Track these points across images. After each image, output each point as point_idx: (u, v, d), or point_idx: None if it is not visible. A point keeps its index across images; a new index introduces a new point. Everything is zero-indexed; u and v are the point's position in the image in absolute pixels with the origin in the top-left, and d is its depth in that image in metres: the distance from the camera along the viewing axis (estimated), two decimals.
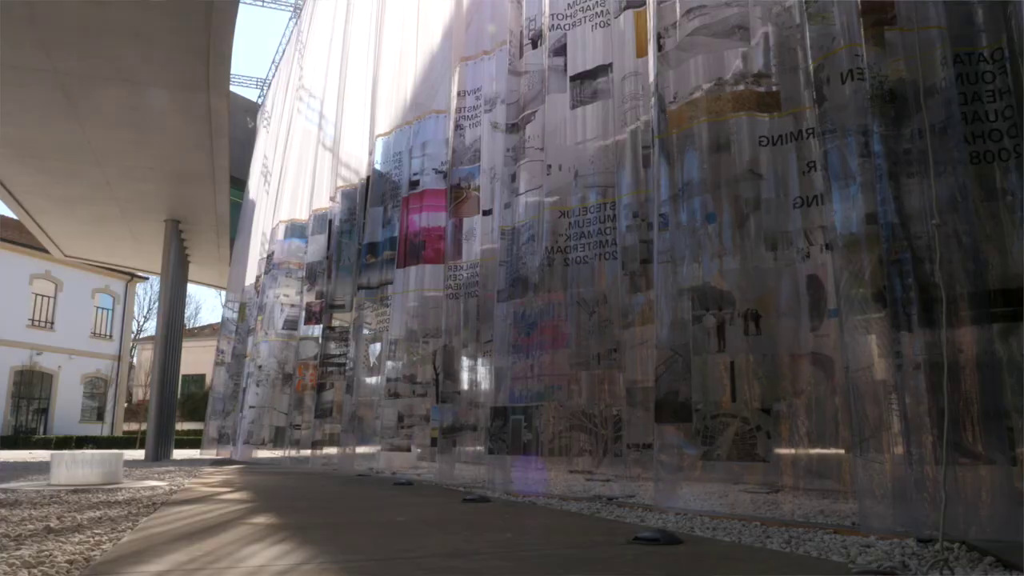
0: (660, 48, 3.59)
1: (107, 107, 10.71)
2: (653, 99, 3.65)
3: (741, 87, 3.05)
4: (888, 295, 2.08)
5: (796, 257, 2.71)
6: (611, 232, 4.56)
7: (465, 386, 6.16)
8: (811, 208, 2.67)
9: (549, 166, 4.88)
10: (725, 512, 3.04)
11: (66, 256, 19.85)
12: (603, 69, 4.73)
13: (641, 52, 4.47)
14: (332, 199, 10.62)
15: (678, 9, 3.48)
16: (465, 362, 6.22)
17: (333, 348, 9.66)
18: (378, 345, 8.28)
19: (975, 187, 2.16)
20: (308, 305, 11.16)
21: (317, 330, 10.60)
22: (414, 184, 7.72)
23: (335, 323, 9.77)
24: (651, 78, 3.82)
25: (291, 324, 11.87)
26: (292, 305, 12.01)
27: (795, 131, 2.80)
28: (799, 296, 2.73)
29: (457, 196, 6.56)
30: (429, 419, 6.62)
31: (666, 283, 3.33)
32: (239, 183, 16.37)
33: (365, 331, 8.44)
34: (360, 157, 9.96)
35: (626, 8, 4.65)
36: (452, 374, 6.30)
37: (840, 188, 2.23)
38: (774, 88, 2.92)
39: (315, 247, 11.24)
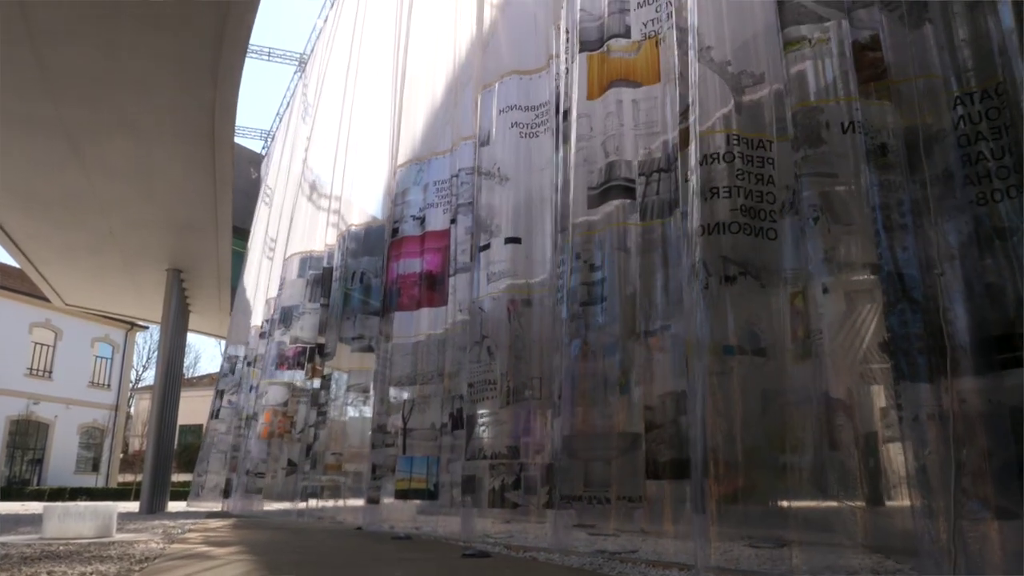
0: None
1: (113, 157, 10.83)
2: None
3: (680, 127, 3.10)
4: (892, 345, 2.06)
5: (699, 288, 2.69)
6: None
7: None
8: (719, 235, 2.65)
9: None
10: (731, 567, 2.96)
11: (67, 305, 19.85)
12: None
13: (592, 95, 4.52)
14: (328, 244, 10.64)
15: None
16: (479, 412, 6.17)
17: (323, 397, 9.56)
18: (367, 394, 8.25)
19: (981, 229, 2.16)
20: (280, 349, 11.06)
21: (288, 375, 10.52)
22: (395, 232, 7.78)
23: (326, 371, 9.70)
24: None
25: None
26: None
27: (711, 155, 2.79)
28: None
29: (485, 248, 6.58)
30: (395, 471, 6.54)
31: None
32: (241, 232, 16.47)
33: (352, 379, 8.41)
34: (357, 204, 10.03)
35: (582, 51, 4.72)
36: (462, 423, 6.23)
37: (842, 234, 2.22)
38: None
39: (292, 290, 11.19)
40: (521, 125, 5.81)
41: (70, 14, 7.72)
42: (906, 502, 2.18)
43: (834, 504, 2.61)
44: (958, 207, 2.16)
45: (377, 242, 8.78)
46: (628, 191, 4.09)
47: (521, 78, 5.95)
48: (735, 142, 2.65)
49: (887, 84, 2.27)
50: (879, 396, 2.14)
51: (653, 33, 4.20)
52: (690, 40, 2.97)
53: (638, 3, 4.41)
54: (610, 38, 4.48)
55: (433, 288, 6.99)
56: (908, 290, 2.07)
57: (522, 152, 5.81)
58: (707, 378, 2.54)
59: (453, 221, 6.79)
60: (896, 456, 2.18)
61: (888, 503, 2.28)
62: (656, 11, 4.22)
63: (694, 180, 2.83)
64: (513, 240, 5.62)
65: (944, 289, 2.06)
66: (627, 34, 4.43)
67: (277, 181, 15.24)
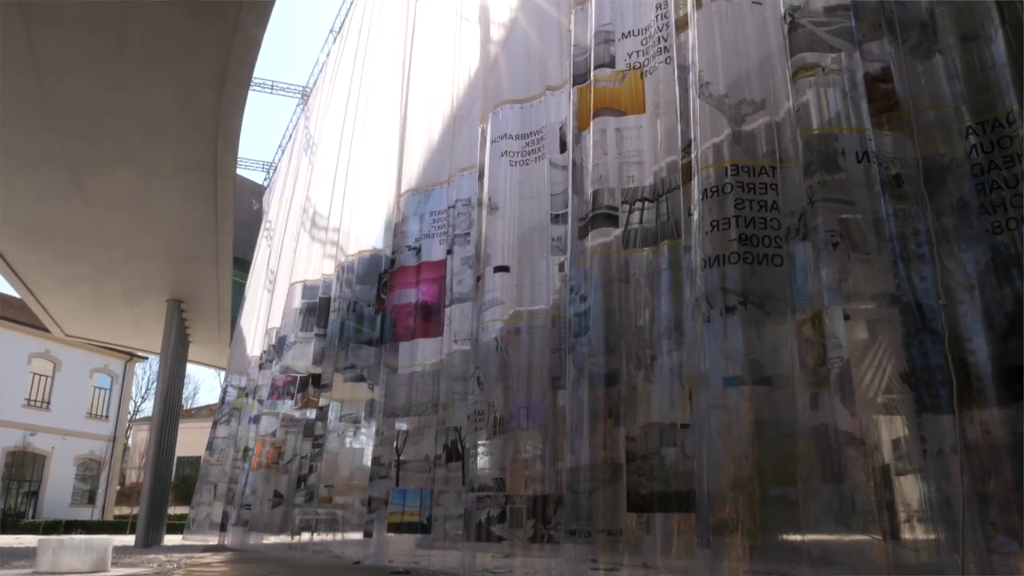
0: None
1: (115, 190, 10.91)
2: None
3: (682, 162, 3.11)
4: (913, 376, 2.04)
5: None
6: None
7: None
8: (720, 267, 2.61)
9: None
10: None
11: (66, 335, 19.83)
12: None
13: (583, 126, 4.56)
14: (324, 273, 10.64)
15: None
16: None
17: (320, 428, 9.50)
18: (357, 424, 8.21)
19: (999, 258, 2.15)
20: (273, 379, 11.00)
21: (279, 405, 10.45)
22: (392, 262, 7.80)
23: (322, 402, 9.64)
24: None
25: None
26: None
27: (711, 188, 2.80)
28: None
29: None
30: (388, 503, 6.47)
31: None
32: (242, 263, 16.53)
33: (344, 409, 8.37)
34: (355, 234, 10.07)
35: (575, 84, 4.77)
36: (457, 455, 6.19)
37: (860, 263, 2.20)
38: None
39: (287, 319, 11.15)
40: (511, 154, 5.84)
41: (77, 50, 7.83)
42: (927, 535, 2.14)
43: (849, 538, 2.56)
44: (975, 236, 2.14)
45: (370, 271, 8.81)
46: (612, 219, 4.11)
47: (513, 107, 6.00)
48: (734, 172, 2.66)
49: (899, 115, 2.26)
50: (898, 427, 2.12)
51: (638, 64, 4.26)
52: (691, 77, 2.99)
53: (623, 34, 4.47)
54: (596, 68, 4.54)
55: (428, 318, 7.00)
56: (927, 320, 2.06)
57: (512, 180, 5.83)
58: (710, 410, 2.53)
59: (449, 252, 6.81)
60: (916, 488, 2.15)
61: (907, 536, 2.24)
62: (642, 43, 4.29)
63: (696, 214, 2.83)
64: (502, 269, 5.63)
65: (963, 319, 2.05)
66: (612, 64, 4.49)
67: (278, 215, 15.32)
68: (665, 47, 3.96)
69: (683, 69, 3.24)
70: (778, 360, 2.50)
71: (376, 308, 8.26)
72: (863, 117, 2.28)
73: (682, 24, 3.24)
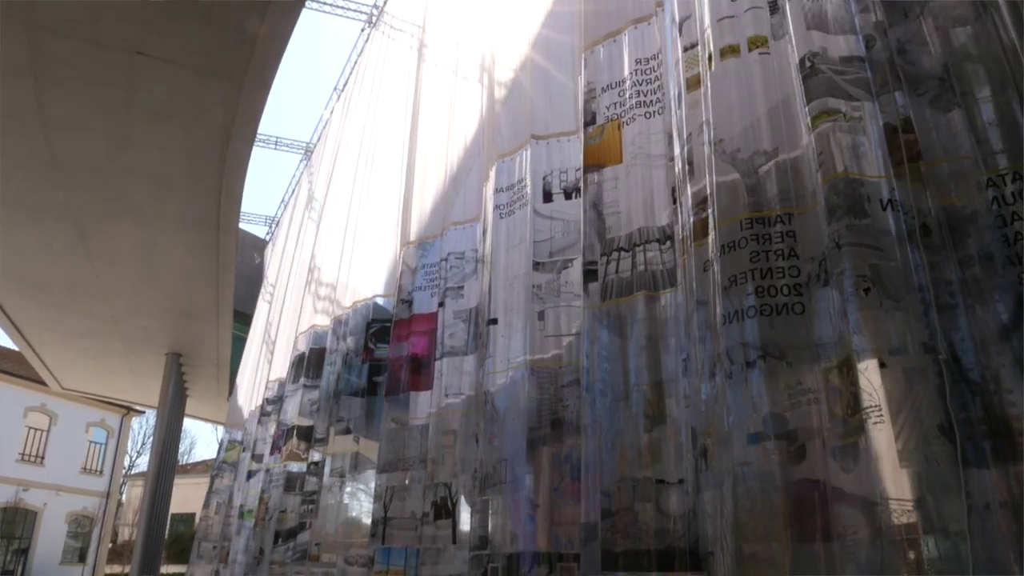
0: (674, 202, 3.70)
1: (118, 244, 10.99)
2: (671, 251, 3.71)
3: (695, 219, 3.12)
4: (954, 429, 1.99)
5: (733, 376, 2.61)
6: None
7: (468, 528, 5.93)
8: (738, 323, 2.57)
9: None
10: None
11: (64, 389, 19.73)
12: None
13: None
14: (321, 324, 10.63)
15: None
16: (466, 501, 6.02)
17: (313, 484, 9.36)
18: (343, 479, 8.09)
19: None
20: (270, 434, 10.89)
21: (271, 460, 10.32)
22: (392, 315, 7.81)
23: (316, 457, 9.52)
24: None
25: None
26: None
27: (727, 244, 2.74)
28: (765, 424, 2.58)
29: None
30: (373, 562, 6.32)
31: (684, 423, 3.30)
32: (242, 317, 16.55)
33: (336, 464, 8.25)
34: (351, 286, 10.10)
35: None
36: (446, 513, 6.10)
37: (891, 309, 2.14)
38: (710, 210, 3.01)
39: (286, 373, 11.10)
40: (501, 207, 5.90)
41: (85, 106, 7.98)
42: None
43: None
44: (1004, 287, 2.10)
45: (360, 322, 8.81)
46: (591, 274, 4.14)
47: (504, 160, 6.08)
48: (748, 225, 2.64)
49: (922, 165, 2.24)
50: (939, 481, 2.06)
51: (616, 116, 4.34)
52: (705, 135, 3.01)
53: (602, 88, 4.56)
54: (585, 126, 4.63)
55: (419, 372, 6.96)
56: (966, 371, 2.01)
57: (501, 232, 5.88)
58: (733, 468, 2.47)
59: (441, 304, 6.81)
60: (957, 546, 2.07)
61: None
62: (619, 95, 4.39)
63: (714, 270, 2.80)
64: (493, 322, 5.64)
65: (1000, 370, 2.01)
66: (593, 120, 4.58)
67: (279, 269, 15.39)
68: (644, 100, 4.04)
69: (697, 127, 3.22)
70: (803, 412, 2.43)
71: (363, 357, 8.22)
72: (886, 165, 2.28)
73: (693, 83, 3.28)
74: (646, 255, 3.69)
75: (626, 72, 4.27)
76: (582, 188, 4.47)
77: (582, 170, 4.53)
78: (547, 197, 5.52)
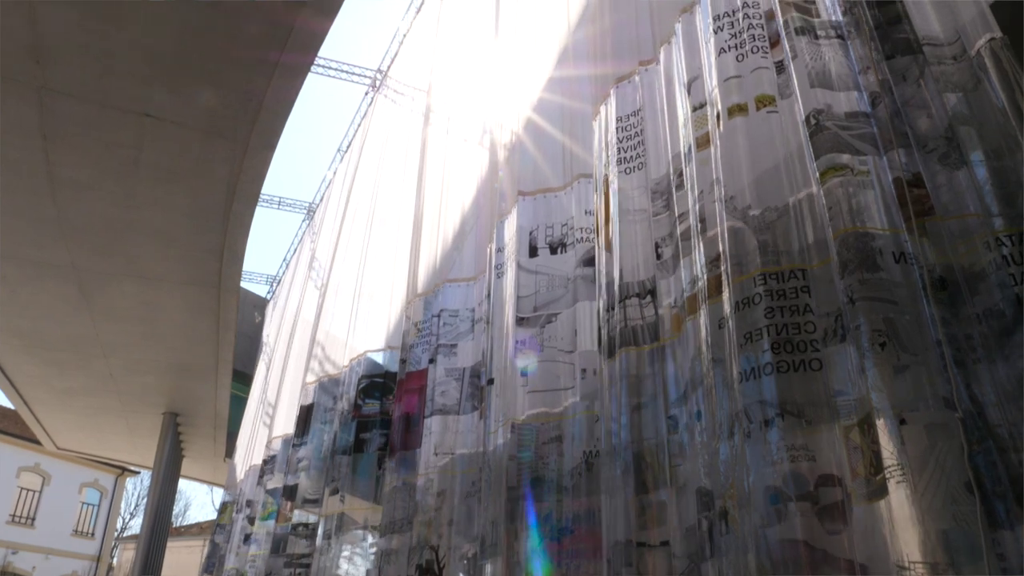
0: (659, 257, 3.72)
1: (120, 302, 10.99)
2: (651, 306, 3.71)
3: (709, 276, 3.08)
4: (983, 488, 1.93)
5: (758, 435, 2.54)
6: None
7: None
8: (755, 380, 2.53)
9: (583, 369, 4.89)
10: None
11: (58, 448, 19.48)
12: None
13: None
14: (314, 387, 10.53)
15: (672, 217, 3.64)
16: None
17: (302, 546, 9.13)
18: (329, 540, 7.90)
19: None
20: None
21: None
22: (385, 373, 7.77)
23: (299, 518, 9.31)
24: (610, 272, 3.92)
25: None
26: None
27: (741, 300, 2.71)
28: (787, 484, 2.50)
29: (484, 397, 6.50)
30: None
31: (676, 485, 3.22)
32: (241, 376, 16.45)
33: (326, 526, 8.07)
34: (351, 345, 10.05)
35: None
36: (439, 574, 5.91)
37: (909, 364, 2.09)
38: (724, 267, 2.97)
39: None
40: (499, 267, 5.91)
41: (93, 167, 8.06)
42: None
43: None
44: (1020, 343, 2.07)
45: (354, 380, 8.74)
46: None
47: (499, 222, 6.12)
48: (762, 281, 2.62)
49: (933, 220, 2.23)
50: (967, 541, 1.97)
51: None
52: (716, 192, 3.01)
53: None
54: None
55: (409, 430, 6.87)
56: (992, 427, 1.96)
57: (496, 291, 5.88)
58: (756, 531, 2.39)
59: (432, 361, 6.77)
60: None
61: None
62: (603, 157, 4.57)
63: (729, 327, 2.77)
64: (489, 382, 5.59)
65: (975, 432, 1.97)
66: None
67: (279, 333, 15.36)
68: (625, 157, 4.09)
69: (707, 184, 3.22)
70: (825, 472, 2.36)
71: (352, 415, 8.11)
72: (897, 219, 2.28)
73: (702, 142, 3.30)
74: (626, 311, 3.69)
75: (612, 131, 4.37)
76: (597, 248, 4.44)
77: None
78: (532, 252, 5.55)
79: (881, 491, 2.10)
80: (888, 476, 2.06)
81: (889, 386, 2.10)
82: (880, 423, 2.11)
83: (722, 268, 2.87)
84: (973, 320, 2.13)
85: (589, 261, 5.14)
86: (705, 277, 3.06)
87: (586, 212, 5.20)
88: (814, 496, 2.34)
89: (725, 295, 2.80)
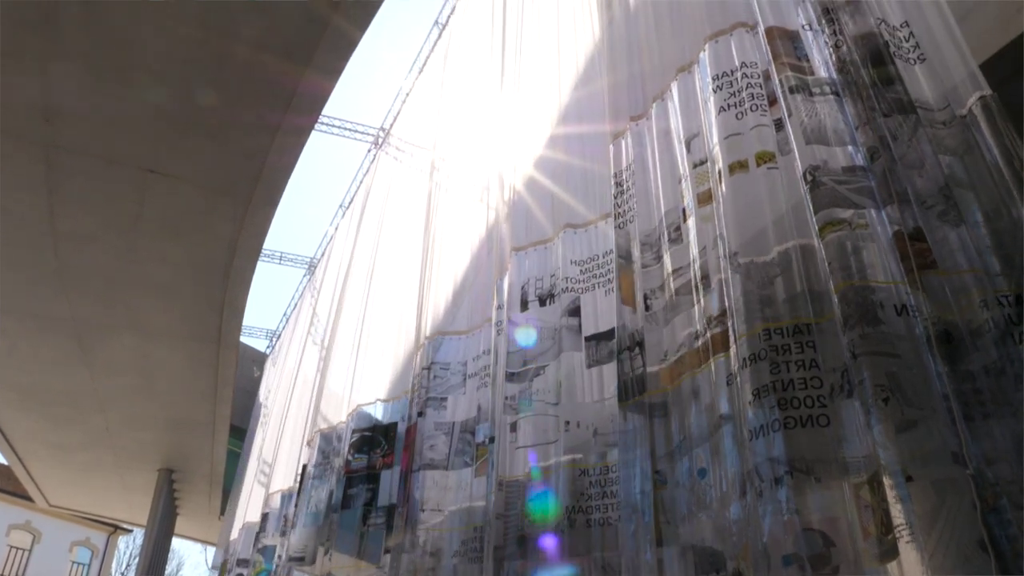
0: (648, 309, 3.71)
1: (119, 356, 10.95)
2: (639, 358, 3.69)
3: (712, 332, 3.05)
4: (997, 547, 1.87)
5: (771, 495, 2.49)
6: None
7: None
8: (765, 438, 2.47)
9: (567, 422, 4.85)
10: None
11: (50, 505, 19.17)
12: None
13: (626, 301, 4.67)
14: (309, 443, 10.40)
15: (666, 270, 3.64)
16: None
17: None
18: None
19: None
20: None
21: None
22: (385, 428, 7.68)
23: None
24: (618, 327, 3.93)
25: None
26: None
27: (748, 356, 2.69)
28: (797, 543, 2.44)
29: (482, 455, 6.41)
30: None
31: (668, 544, 3.15)
32: (237, 431, 16.28)
33: None
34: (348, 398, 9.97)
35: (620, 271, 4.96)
36: None
37: (915, 418, 2.06)
38: (729, 324, 2.94)
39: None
40: (498, 324, 5.91)
41: (96, 221, 8.14)
42: None
43: None
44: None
45: (345, 436, 8.65)
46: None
47: (498, 282, 6.14)
48: (766, 337, 2.60)
49: (935, 274, 2.22)
50: None
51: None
52: (720, 248, 3.02)
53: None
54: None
55: (403, 486, 6.75)
56: (1006, 484, 1.91)
57: (495, 348, 5.87)
58: None
59: (421, 414, 6.70)
60: None
61: None
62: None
63: (737, 384, 2.75)
64: (490, 440, 5.54)
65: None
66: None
67: (278, 389, 15.26)
68: (620, 212, 4.16)
69: (710, 239, 3.23)
70: (836, 531, 2.30)
71: (344, 471, 7.98)
72: (897, 271, 2.27)
73: (704, 198, 3.33)
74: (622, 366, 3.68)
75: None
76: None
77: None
78: (524, 306, 5.56)
79: (893, 551, 2.05)
80: (898, 536, 2.02)
81: (894, 442, 2.07)
82: (888, 480, 2.07)
83: (728, 324, 2.86)
84: (980, 374, 2.11)
85: (575, 311, 5.15)
86: (709, 333, 3.05)
87: (572, 262, 5.21)
88: (826, 557, 2.29)
89: (732, 351, 2.79)
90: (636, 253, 3.87)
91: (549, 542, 4.47)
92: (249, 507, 14.18)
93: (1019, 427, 2.00)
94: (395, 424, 7.49)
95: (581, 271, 5.25)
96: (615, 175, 4.26)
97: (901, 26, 2.81)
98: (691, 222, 3.38)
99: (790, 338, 2.56)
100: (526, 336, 5.36)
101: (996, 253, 2.30)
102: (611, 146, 4.33)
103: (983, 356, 2.12)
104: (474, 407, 6.03)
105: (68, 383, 11.78)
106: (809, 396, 2.44)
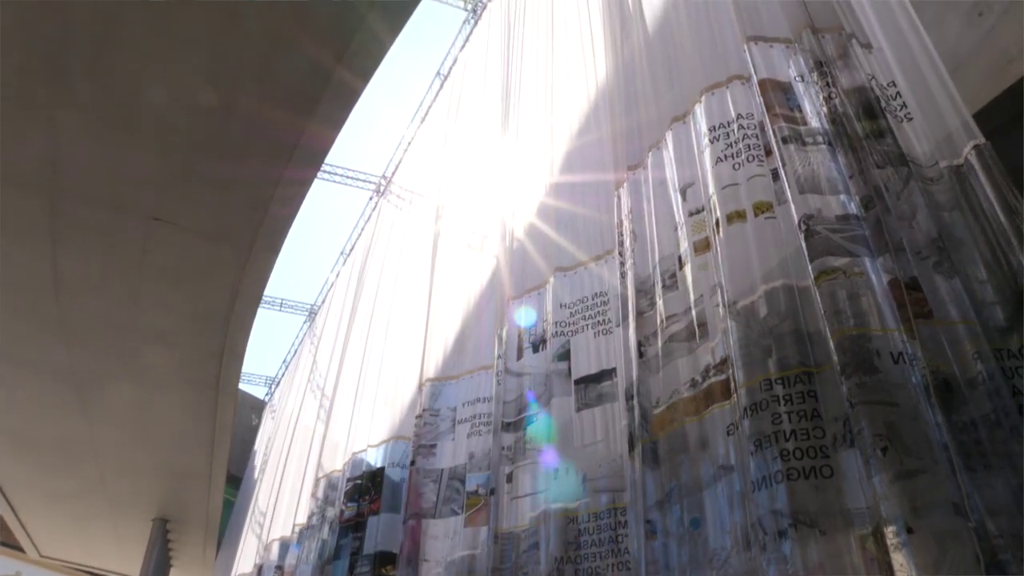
0: (641, 356, 3.70)
1: (116, 404, 10.88)
2: (634, 405, 3.67)
3: (711, 380, 3.04)
4: None
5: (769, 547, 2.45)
6: (624, 539, 4.35)
7: None
8: (768, 489, 2.46)
9: (556, 470, 4.80)
10: None
11: (42, 556, 18.81)
12: (607, 373, 4.87)
13: None
14: (313, 494, 10.27)
15: (660, 317, 3.65)
16: None
17: None
18: None
19: None
20: None
21: None
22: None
23: None
24: (623, 383, 3.90)
25: None
26: None
27: (749, 406, 2.67)
28: None
29: (472, 504, 6.31)
30: None
31: None
32: (232, 479, 16.09)
33: None
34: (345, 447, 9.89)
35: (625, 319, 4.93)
36: None
37: (914, 469, 2.04)
38: (729, 372, 2.92)
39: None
40: (499, 374, 5.89)
41: (98, 268, 8.16)
42: None
43: None
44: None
45: (341, 485, 8.55)
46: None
47: (499, 333, 6.14)
48: (767, 387, 2.59)
49: (932, 324, 2.23)
50: None
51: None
52: (719, 297, 3.02)
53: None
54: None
55: (407, 535, 6.64)
56: (1008, 536, 1.89)
57: (499, 398, 5.86)
58: None
59: (412, 462, 6.63)
60: None
61: None
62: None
63: (739, 433, 2.73)
64: (491, 492, 5.48)
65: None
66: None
67: (274, 438, 15.14)
68: (620, 262, 4.19)
69: (710, 288, 3.24)
70: None
71: (338, 520, 7.86)
72: (893, 319, 2.28)
73: (701, 247, 3.35)
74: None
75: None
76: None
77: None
78: (520, 354, 5.55)
79: None
80: None
81: (894, 493, 2.05)
82: (889, 531, 2.05)
83: (727, 373, 2.85)
84: (981, 424, 2.10)
85: (564, 355, 5.13)
86: (708, 382, 3.04)
87: (561, 305, 5.21)
88: None
89: (733, 400, 2.77)
90: (632, 300, 3.89)
91: None
92: (242, 558, 13.95)
93: (1019, 480, 1.99)
94: (382, 469, 7.40)
95: (571, 314, 5.25)
96: (617, 224, 4.30)
97: (889, 85, 2.87)
98: (687, 270, 3.40)
99: (791, 388, 2.55)
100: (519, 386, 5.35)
101: (988, 306, 2.31)
102: (615, 196, 4.39)
103: (979, 407, 2.11)
104: (463, 454, 5.97)
105: (64, 431, 11.67)
106: (812, 447, 2.42)
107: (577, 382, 5.07)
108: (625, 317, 3.96)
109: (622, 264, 4.08)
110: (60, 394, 10.56)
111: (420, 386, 6.98)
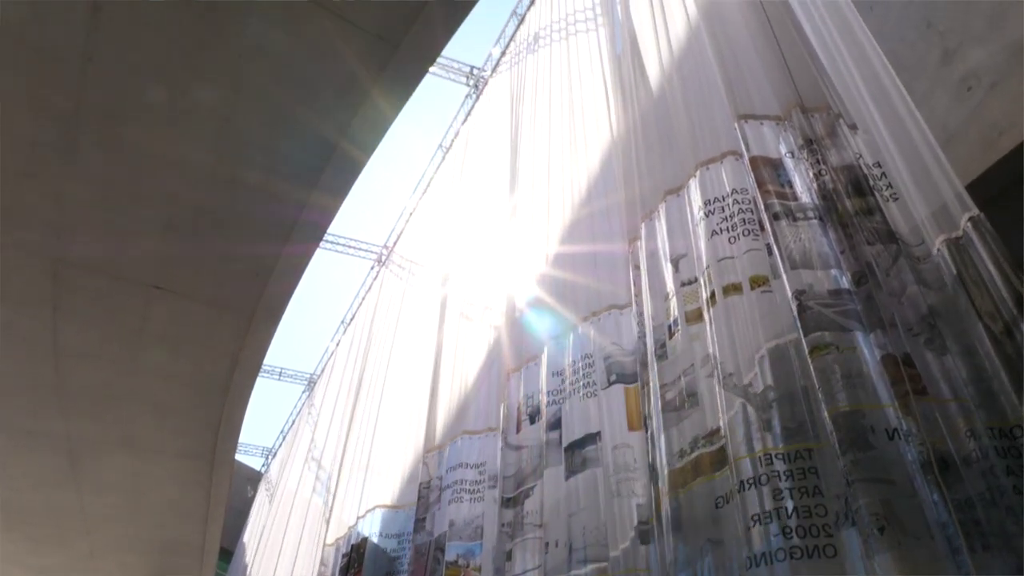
0: (647, 429, 3.67)
1: (109, 474, 10.71)
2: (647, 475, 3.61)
3: (700, 452, 2.98)
4: None
5: None
6: None
7: None
8: (767, 566, 2.38)
9: (547, 543, 4.68)
10: None
11: None
12: (592, 437, 4.79)
13: (633, 426, 4.57)
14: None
15: (652, 387, 3.62)
16: None
17: None
18: None
19: None
20: None
21: None
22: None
23: None
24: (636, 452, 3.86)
25: None
26: None
27: (747, 480, 2.61)
28: None
29: (451, 575, 6.17)
30: None
31: None
32: (225, 554, 15.68)
33: None
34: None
35: (615, 383, 4.86)
36: None
37: (913, 548, 2.00)
38: (721, 444, 2.87)
39: None
40: (502, 450, 5.85)
41: (98, 336, 8.15)
42: None
43: None
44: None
45: (335, 561, 8.37)
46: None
47: (500, 405, 6.11)
48: (767, 462, 2.54)
49: (926, 401, 2.21)
50: None
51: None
52: (715, 369, 2.98)
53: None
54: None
55: None
56: None
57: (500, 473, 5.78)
58: None
59: (412, 536, 6.51)
60: None
61: None
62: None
63: (736, 507, 2.67)
64: (497, 572, 5.36)
65: None
66: None
67: (271, 510, 14.84)
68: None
69: (704, 360, 3.22)
70: None
71: None
72: (886, 395, 2.26)
73: (693, 317, 3.35)
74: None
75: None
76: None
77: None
78: (519, 426, 5.50)
79: None
80: None
81: (893, 573, 2.00)
82: None
83: (720, 444, 2.82)
84: (978, 503, 2.06)
85: (556, 423, 5.07)
86: (696, 452, 3.00)
87: (553, 374, 5.19)
88: None
89: (725, 473, 2.73)
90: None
91: None
92: None
93: (1018, 561, 1.95)
94: (365, 539, 7.29)
95: (561, 380, 5.22)
96: (634, 286, 4.35)
97: (875, 165, 2.92)
98: (677, 338, 3.39)
99: (792, 464, 2.50)
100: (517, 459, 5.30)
101: (981, 382, 2.29)
102: (625, 262, 4.45)
103: (974, 485, 2.08)
104: (445, 522, 5.85)
105: (54, 502, 11.46)
106: (815, 525, 2.36)
107: (566, 449, 5.00)
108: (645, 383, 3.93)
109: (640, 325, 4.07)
110: (53, 464, 10.41)
111: (424, 457, 6.92)
